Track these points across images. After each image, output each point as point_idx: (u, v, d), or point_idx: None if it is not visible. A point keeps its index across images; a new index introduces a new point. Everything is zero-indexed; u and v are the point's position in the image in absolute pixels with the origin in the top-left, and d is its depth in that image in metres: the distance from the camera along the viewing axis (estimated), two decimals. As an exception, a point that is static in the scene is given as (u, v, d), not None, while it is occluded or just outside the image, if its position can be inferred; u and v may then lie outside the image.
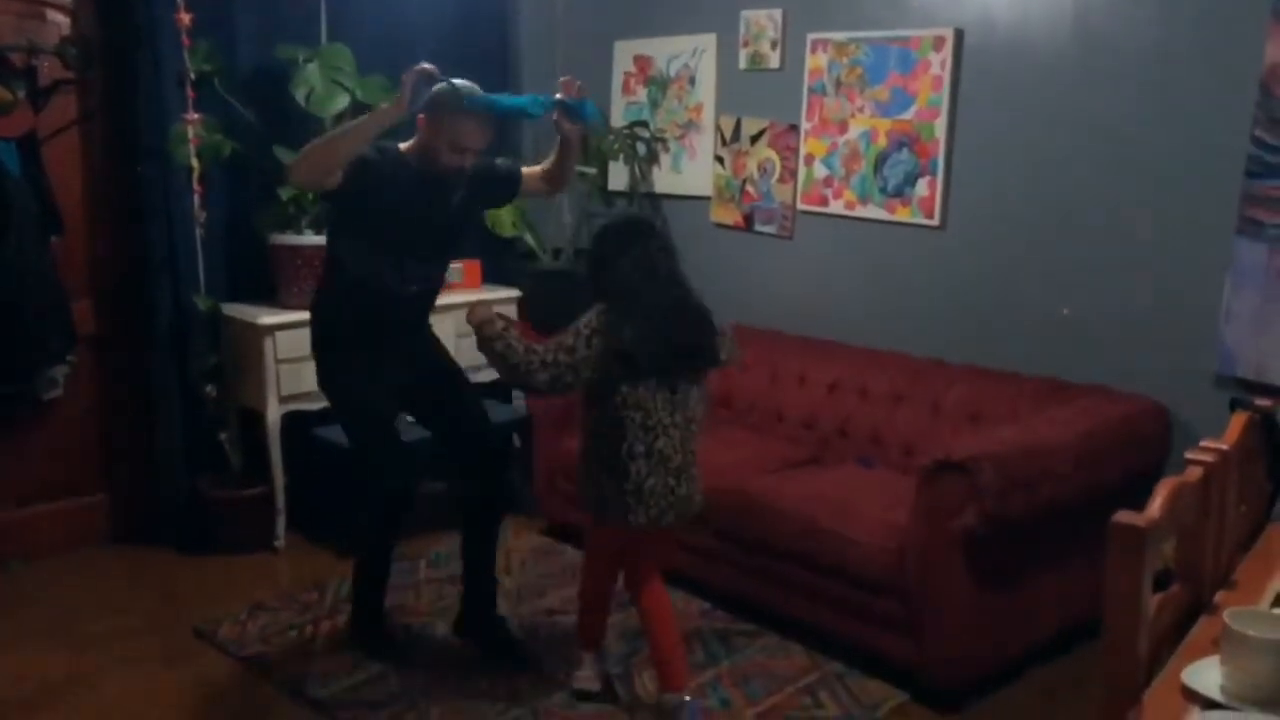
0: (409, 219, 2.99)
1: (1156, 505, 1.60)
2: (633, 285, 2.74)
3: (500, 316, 2.80)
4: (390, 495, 3.24)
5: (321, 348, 3.18)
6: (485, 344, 2.76)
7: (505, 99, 2.99)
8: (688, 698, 2.87)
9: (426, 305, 3.26)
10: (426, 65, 2.80)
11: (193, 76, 3.89)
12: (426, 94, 2.81)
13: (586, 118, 3.04)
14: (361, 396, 3.15)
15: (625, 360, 2.70)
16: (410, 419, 3.55)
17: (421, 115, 2.90)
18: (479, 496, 3.31)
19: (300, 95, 3.98)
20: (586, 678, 3.08)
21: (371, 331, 3.11)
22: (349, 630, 3.42)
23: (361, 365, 3.12)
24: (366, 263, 3.02)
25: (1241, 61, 3.10)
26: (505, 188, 3.27)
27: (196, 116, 3.91)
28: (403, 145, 3.01)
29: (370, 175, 2.87)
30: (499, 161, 3.26)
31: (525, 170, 3.27)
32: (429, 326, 3.34)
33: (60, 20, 3.83)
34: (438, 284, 3.25)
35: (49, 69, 3.71)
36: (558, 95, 2.95)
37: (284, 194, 4.01)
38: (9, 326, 3.57)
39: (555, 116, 2.98)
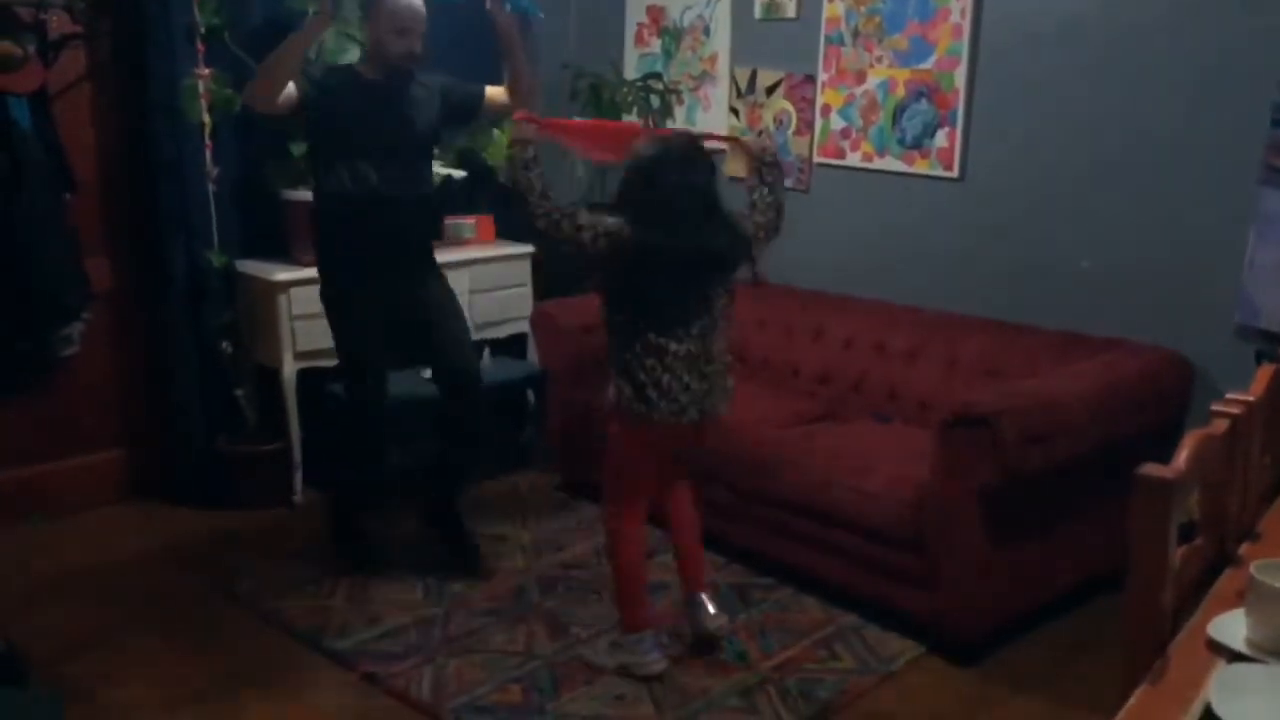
0: (374, 123, 3.20)
1: (1183, 458, 1.59)
2: (666, 199, 2.71)
3: (534, 147, 2.82)
4: (360, 411, 3.48)
5: (323, 275, 3.42)
6: (511, 163, 2.85)
7: None
8: (704, 597, 3.07)
9: (415, 225, 3.40)
10: None
11: (203, 30, 3.85)
12: None
13: (516, 3, 3.16)
14: (352, 325, 3.38)
15: (645, 254, 2.70)
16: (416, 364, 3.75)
17: (363, 19, 3.21)
18: (451, 412, 3.51)
19: (310, 49, 3.93)
20: (653, 661, 2.94)
21: (362, 256, 3.29)
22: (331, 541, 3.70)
23: (355, 297, 3.33)
24: (345, 175, 3.20)
25: (1271, 9, 3.04)
26: (470, 101, 3.46)
27: (207, 71, 3.88)
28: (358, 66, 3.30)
29: (324, 95, 3.16)
30: (470, 82, 3.48)
31: (491, 88, 3.46)
32: (432, 263, 3.49)
33: (69, -27, 3.79)
34: (419, 195, 3.38)
35: (58, 23, 3.67)
36: None
37: (295, 150, 3.98)
38: (25, 284, 3.56)
39: (488, 3, 3.15)
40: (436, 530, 3.67)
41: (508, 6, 3.17)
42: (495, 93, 3.46)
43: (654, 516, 3.03)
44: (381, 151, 3.22)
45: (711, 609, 3.07)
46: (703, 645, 3.07)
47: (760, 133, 2.89)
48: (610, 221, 2.72)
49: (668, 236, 2.69)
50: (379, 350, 3.44)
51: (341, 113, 3.19)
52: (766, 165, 2.96)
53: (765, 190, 2.95)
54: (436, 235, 3.46)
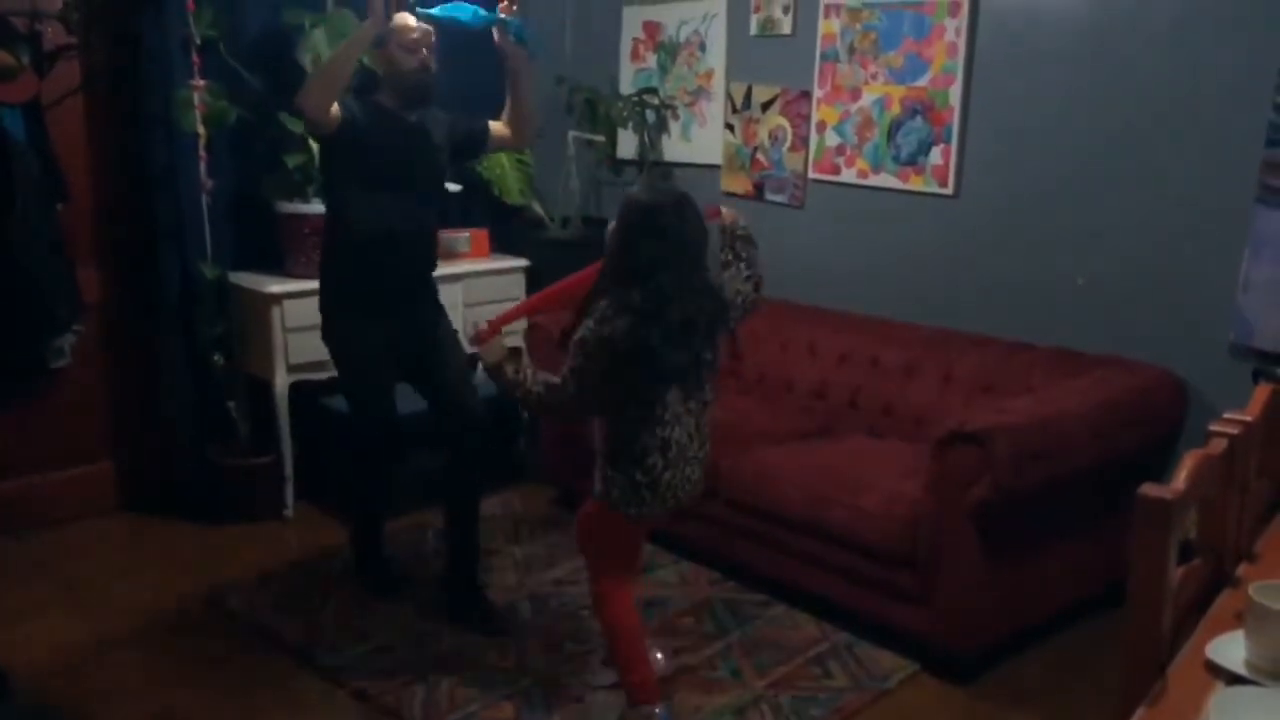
0: (398, 157, 3.19)
1: (1182, 477, 1.58)
2: (655, 275, 2.47)
3: (511, 353, 2.69)
4: (369, 441, 3.41)
5: (328, 311, 3.32)
6: (499, 383, 2.71)
7: (442, 9, 3.14)
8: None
9: (427, 257, 3.38)
10: None
11: (198, 41, 3.84)
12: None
13: (517, 35, 3.18)
14: (360, 360, 3.31)
15: (642, 361, 2.48)
16: (411, 386, 3.58)
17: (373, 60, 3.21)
18: (454, 469, 3.38)
19: (307, 61, 3.93)
20: None
21: (378, 290, 3.24)
22: (355, 570, 3.60)
23: (365, 331, 3.26)
24: (363, 205, 3.17)
25: (1264, 28, 3.05)
26: (476, 136, 3.44)
27: (202, 83, 3.87)
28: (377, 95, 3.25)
29: (355, 123, 3.11)
30: (474, 117, 3.45)
31: (494, 123, 3.44)
32: (434, 293, 3.44)
33: (63, -16, 3.79)
34: (432, 229, 3.39)
35: (53, 34, 3.67)
36: (500, 14, 3.14)
37: (290, 161, 3.97)
38: (16, 295, 3.54)
39: (496, 37, 3.18)
40: (453, 613, 3.37)
41: (511, 37, 3.17)
42: (497, 127, 3.44)
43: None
44: (402, 185, 3.21)
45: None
46: None
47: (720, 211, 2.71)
48: (593, 345, 2.49)
49: (665, 297, 2.47)
50: (389, 384, 3.38)
51: (370, 145, 3.16)
52: (739, 239, 2.75)
53: (742, 264, 2.73)
54: (435, 264, 3.44)
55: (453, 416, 3.35)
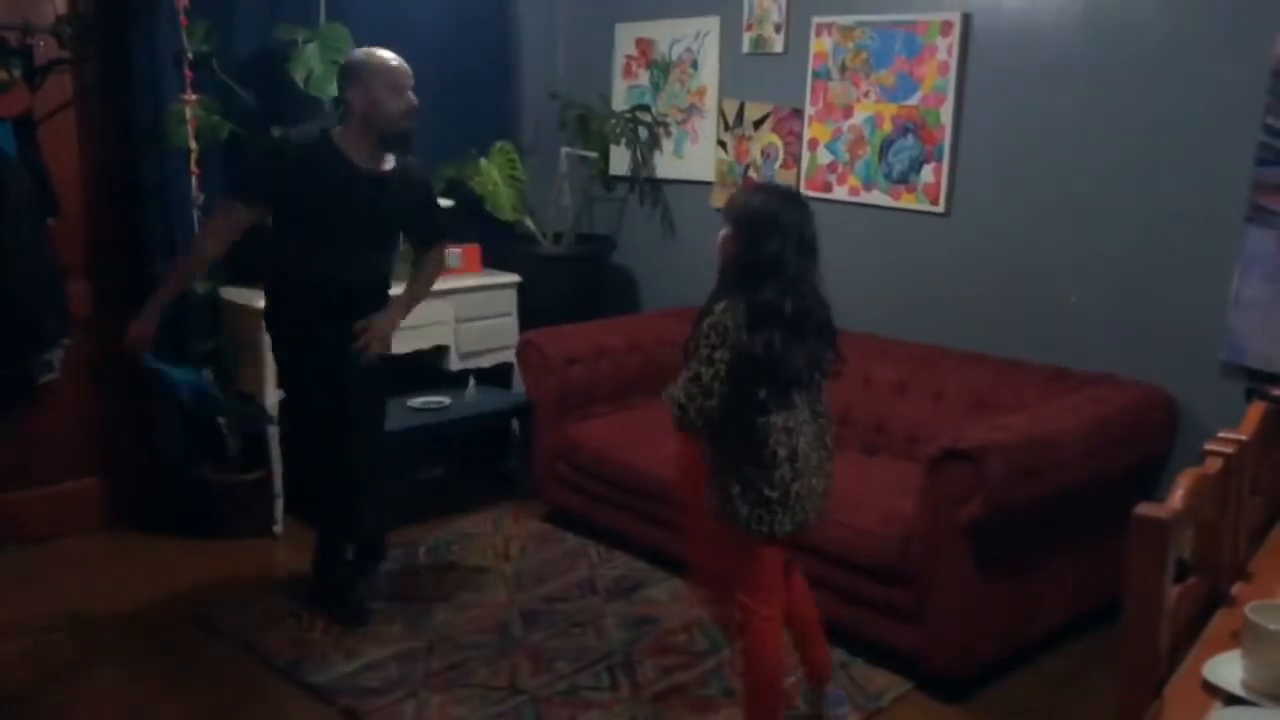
0: (335, 206, 3.08)
1: (1178, 497, 1.58)
2: (779, 270, 2.40)
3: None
4: (316, 469, 3.42)
5: (275, 346, 3.37)
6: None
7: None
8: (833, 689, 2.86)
9: (363, 307, 3.25)
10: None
11: (190, 57, 3.84)
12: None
13: None
14: (303, 391, 3.32)
15: (765, 358, 2.38)
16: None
17: (346, 93, 3.08)
18: (335, 520, 3.46)
19: (299, 77, 3.93)
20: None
21: (317, 329, 3.19)
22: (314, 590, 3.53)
23: (309, 362, 3.25)
24: (298, 249, 3.11)
25: (1253, 48, 3.07)
26: (413, 235, 3.43)
27: (194, 97, 3.86)
28: (338, 128, 3.13)
29: (286, 182, 3.06)
30: (438, 213, 3.46)
31: (429, 251, 3.43)
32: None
33: (56, -2, 3.78)
34: (381, 276, 3.32)
35: (45, 48, 3.66)
36: None
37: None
38: (3, 309, 3.52)
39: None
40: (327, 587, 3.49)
41: None
42: (433, 255, 3.44)
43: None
44: (339, 235, 3.12)
45: (845, 707, 2.87)
46: None
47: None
48: (718, 333, 2.39)
49: (792, 296, 2.40)
50: (327, 407, 3.28)
51: (306, 194, 3.07)
52: None
53: None
54: (387, 299, 3.36)
55: (347, 463, 3.32)
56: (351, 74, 3.08)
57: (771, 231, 2.42)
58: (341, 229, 3.11)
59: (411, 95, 3.10)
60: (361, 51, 3.15)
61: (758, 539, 2.50)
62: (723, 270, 2.50)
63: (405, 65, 3.11)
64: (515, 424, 4.60)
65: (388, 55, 3.10)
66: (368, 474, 3.37)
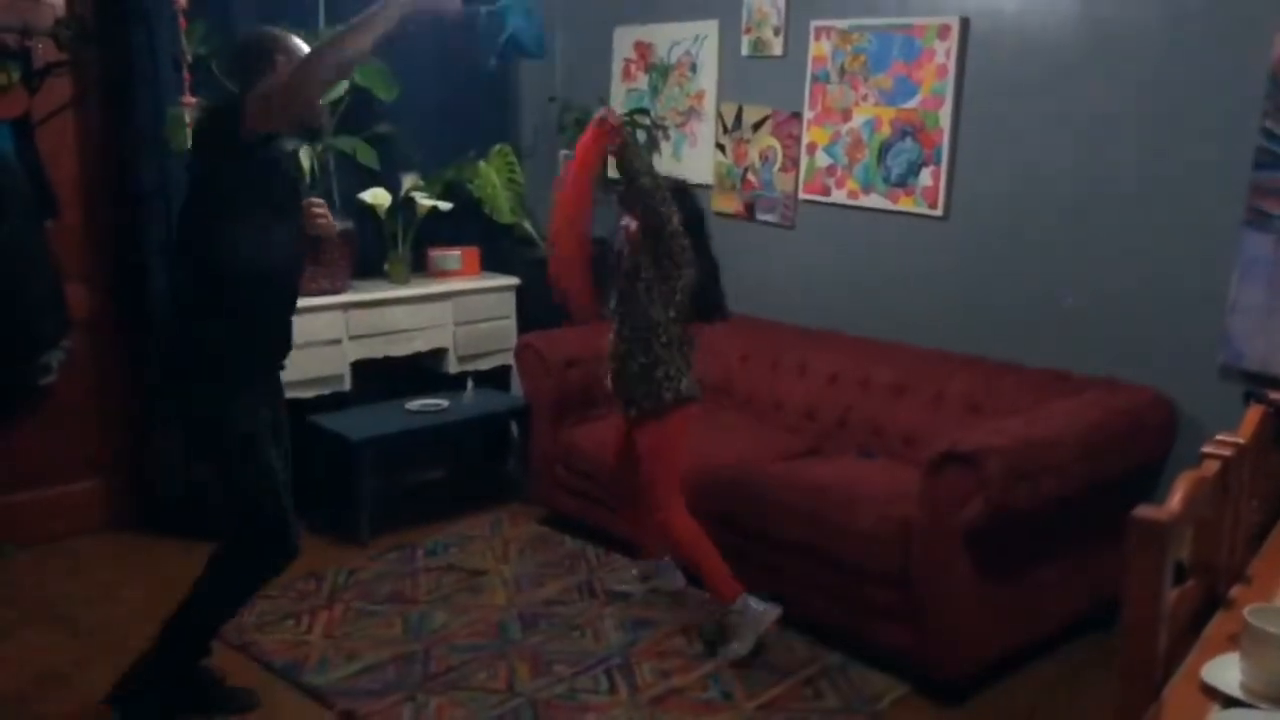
0: (286, 188, 2.84)
1: (1177, 499, 1.58)
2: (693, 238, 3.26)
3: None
4: (269, 540, 2.84)
5: (208, 378, 2.72)
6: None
7: None
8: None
9: (295, 306, 2.94)
10: None
11: (189, 59, 3.83)
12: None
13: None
14: (256, 438, 2.74)
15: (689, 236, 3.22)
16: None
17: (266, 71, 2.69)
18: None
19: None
20: (769, 608, 3.22)
21: (267, 345, 2.84)
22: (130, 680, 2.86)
23: (255, 401, 2.76)
24: (264, 240, 2.68)
25: (1251, 52, 3.08)
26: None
27: (193, 100, 3.86)
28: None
29: (269, 148, 2.71)
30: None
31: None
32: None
33: (55, 1, 3.78)
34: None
35: (43, 51, 3.66)
36: None
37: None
38: (3, 312, 3.52)
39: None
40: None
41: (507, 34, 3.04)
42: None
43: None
44: (290, 219, 2.82)
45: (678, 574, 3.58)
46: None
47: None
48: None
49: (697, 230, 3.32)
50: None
51: (275, 173, 2.78)
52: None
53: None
54: None
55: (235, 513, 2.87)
56: (265, 57, 2.76)
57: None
58: (287, 210, 2.83)
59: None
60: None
61: (695, 404, 3.28)
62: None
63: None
64: (513, 427, 4.61)
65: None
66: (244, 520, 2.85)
